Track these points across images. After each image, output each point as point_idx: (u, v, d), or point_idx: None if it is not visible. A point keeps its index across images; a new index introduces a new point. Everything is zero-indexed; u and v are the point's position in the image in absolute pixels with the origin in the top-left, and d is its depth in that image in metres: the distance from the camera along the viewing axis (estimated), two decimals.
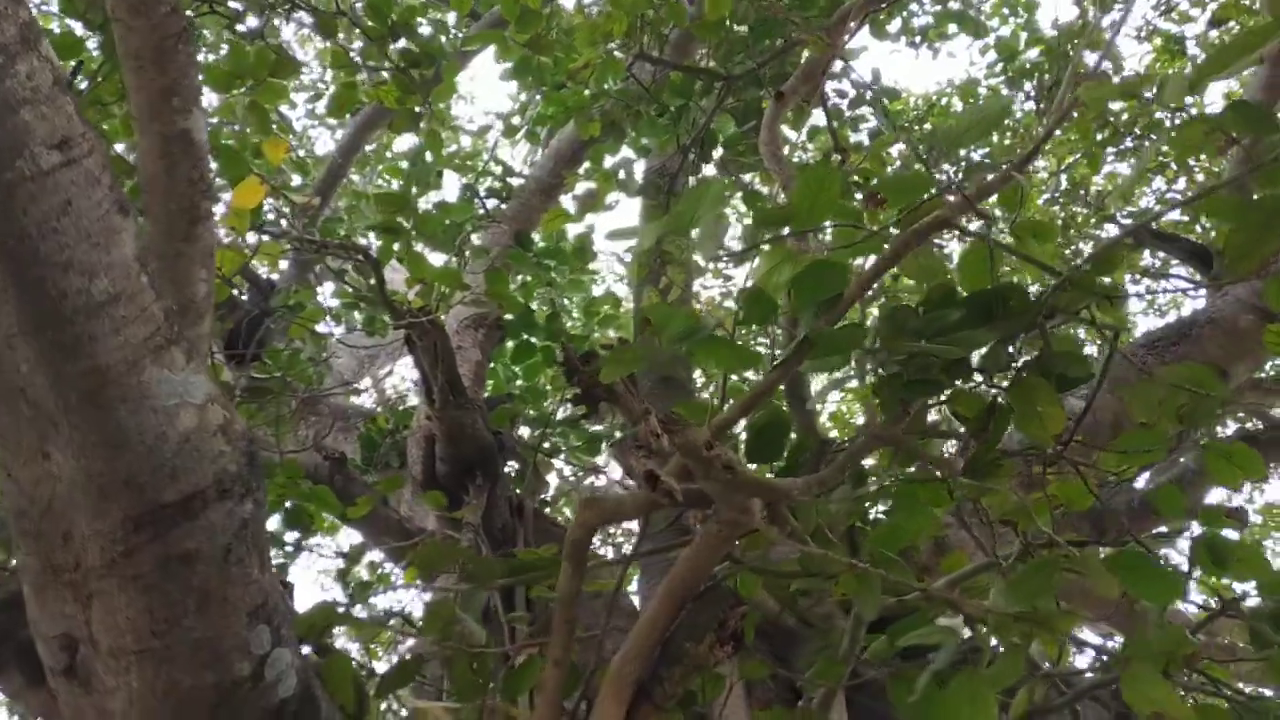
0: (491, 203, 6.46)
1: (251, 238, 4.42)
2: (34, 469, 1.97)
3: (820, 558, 1.92)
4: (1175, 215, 8.07)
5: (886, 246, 2.02)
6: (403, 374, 10.61)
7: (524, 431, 6.47)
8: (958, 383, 1.93)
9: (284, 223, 5.91)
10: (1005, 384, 2.03)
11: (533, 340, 6.22)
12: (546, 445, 6.11)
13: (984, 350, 2.03)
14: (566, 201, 6.66)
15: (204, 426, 2.05)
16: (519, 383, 7.03)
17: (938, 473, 1.97)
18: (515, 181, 6.87)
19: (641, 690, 2.05)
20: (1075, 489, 2.29)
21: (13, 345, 1.85)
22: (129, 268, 1.94)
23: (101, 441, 1.93)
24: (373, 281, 5.09)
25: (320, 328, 6.57)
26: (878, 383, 1.90)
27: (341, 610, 2.35)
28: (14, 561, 2.77)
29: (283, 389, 5.61)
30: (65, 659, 2.11)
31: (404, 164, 7.32)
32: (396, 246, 4.37)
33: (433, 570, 2.29)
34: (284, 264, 8.01)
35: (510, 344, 6.28)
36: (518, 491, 5.54)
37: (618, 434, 6.99)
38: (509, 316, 5.94)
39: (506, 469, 5.51)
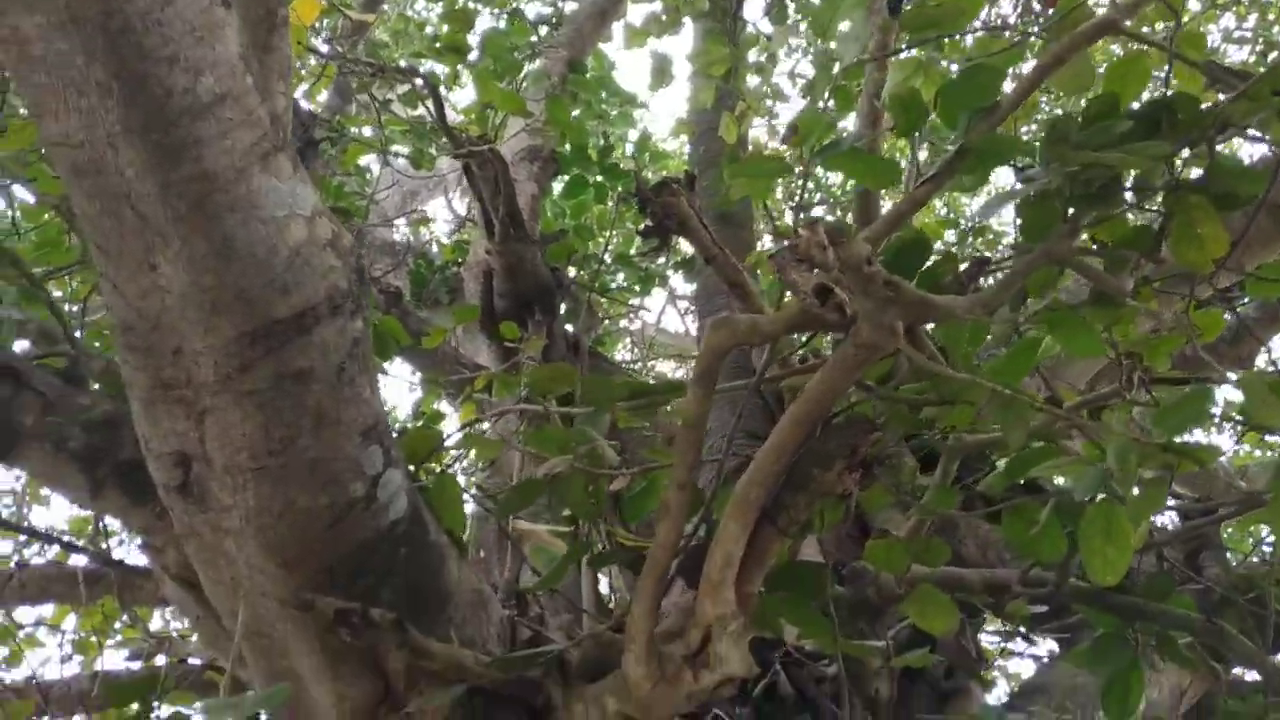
0: (543, 30, 6.18)
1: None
2: (141, 281, 1.89)
3: (962, 382, 1.84)
4: None
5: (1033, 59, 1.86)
6: (445, 211, 10.44)
7: (570, 271, 6.37)
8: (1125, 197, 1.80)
9: (328, 47, 5.68)
10: (1163, 203, 1.91)
11: (586, 175, 6.05)
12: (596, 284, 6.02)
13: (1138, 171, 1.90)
14: (620, 29, 6.35)
15: (313, 240, 1.96)
16: (567, 220, 6.89)
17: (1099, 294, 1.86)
18: (567, 7, 6.56)
19: (765, 515, 2.01)
20: (1214, 317, 2.19)
21: (115, 146, 1.74)
22: (234, 66, 1.81)
23: (211, 253, 1.84)
24: (426, 109, 4.91)
25: (364, 161, 6.41)
26: (1038, 198, 1.78)
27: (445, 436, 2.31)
28: (95, 387, 2.74)
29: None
30: (179, 476, 2.08)
31: None
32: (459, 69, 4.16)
33: (549, 393, 2.23)
34: (321, 95, 7.78)
35: (564, 179, 6.11)
36: (571, 329, 5.49)
37: (669, 273, 6.89)
38: (564, 149, 5.75)
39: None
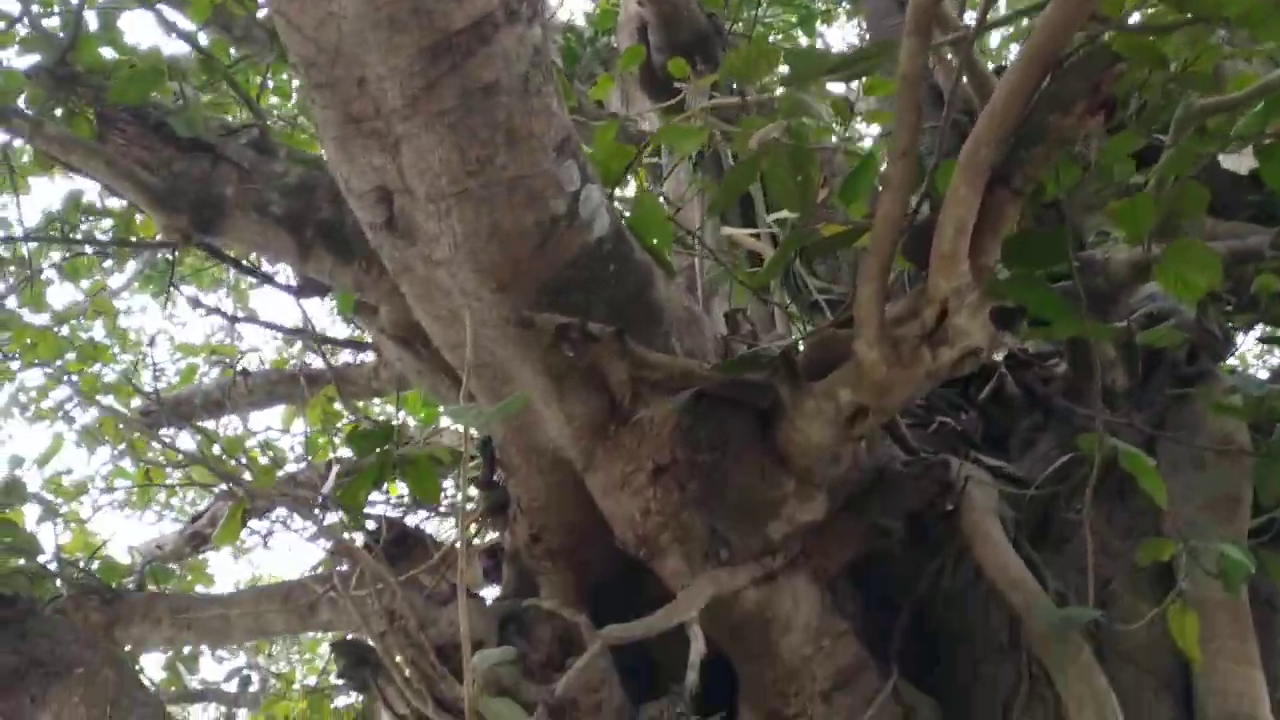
0: None
1: None
2: (314, 10, 1.82)
3: None
4: None
5: None
6: None
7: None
8: None
9: None
10: None
11: None
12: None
13: None
14: None
15: None
16: None
17: None
18: None
19: (997, 176, 1.84)
20: None
21: None
22: None
23: None
24: None
25: None
26: None
27: None
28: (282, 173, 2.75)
29: None
30: (383, 212, 2.07)
31: None
32: None
33: (748, 79, 2.08)
34: None
35: None
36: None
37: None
38: None
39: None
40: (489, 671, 2.11)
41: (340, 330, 6.21)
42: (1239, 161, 2.97)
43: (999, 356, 3.01)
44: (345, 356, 5.94)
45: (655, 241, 2.26)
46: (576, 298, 2.12)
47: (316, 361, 5.84)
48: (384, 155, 1.98)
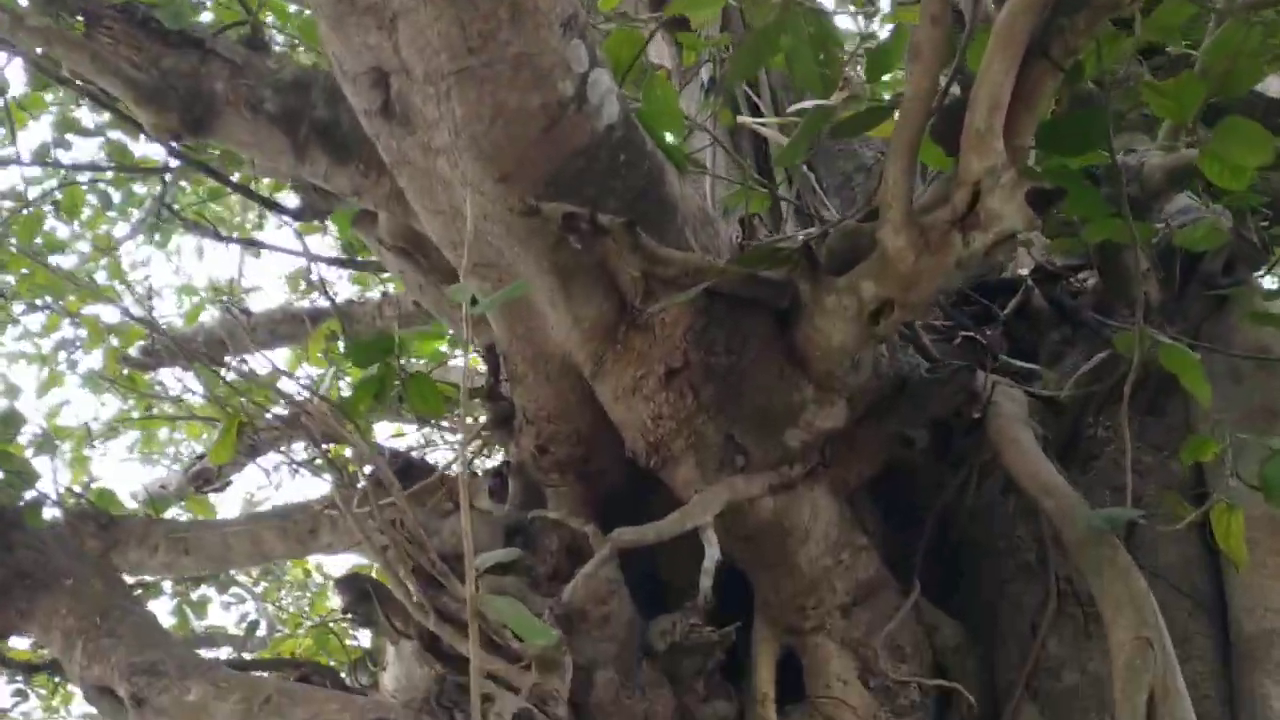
0: None
1: None
2: None
3: None
4: None
5: None
6: None
7: None
8: None
9: None
10: None
11: None
12: None
13: None
14: None
15: None
16: None
17: None
18: None
19: (1034, 47, 1.72)
20: None
21: None
22: None
23: None
24: None
25: None
26: None
27: None
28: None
29: None
30: (379, 96, 1.95)
31: None
32: None
33: None
34: None
35: None
36: None
37: None
38: None
39: None
40: (494, 580, 2.02)
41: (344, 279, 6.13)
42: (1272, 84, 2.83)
43: (1024, 270, 2.89)
44: (349, 293, 5.86)
45: (668, 135, 2.13)
46: (586, 191, 1.99)
47: (321, 302, 5.75)
48: (380, 33, 1.86)
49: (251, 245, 4.69)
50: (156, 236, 7.18)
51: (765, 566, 2.26)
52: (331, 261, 4.12)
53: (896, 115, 1.82)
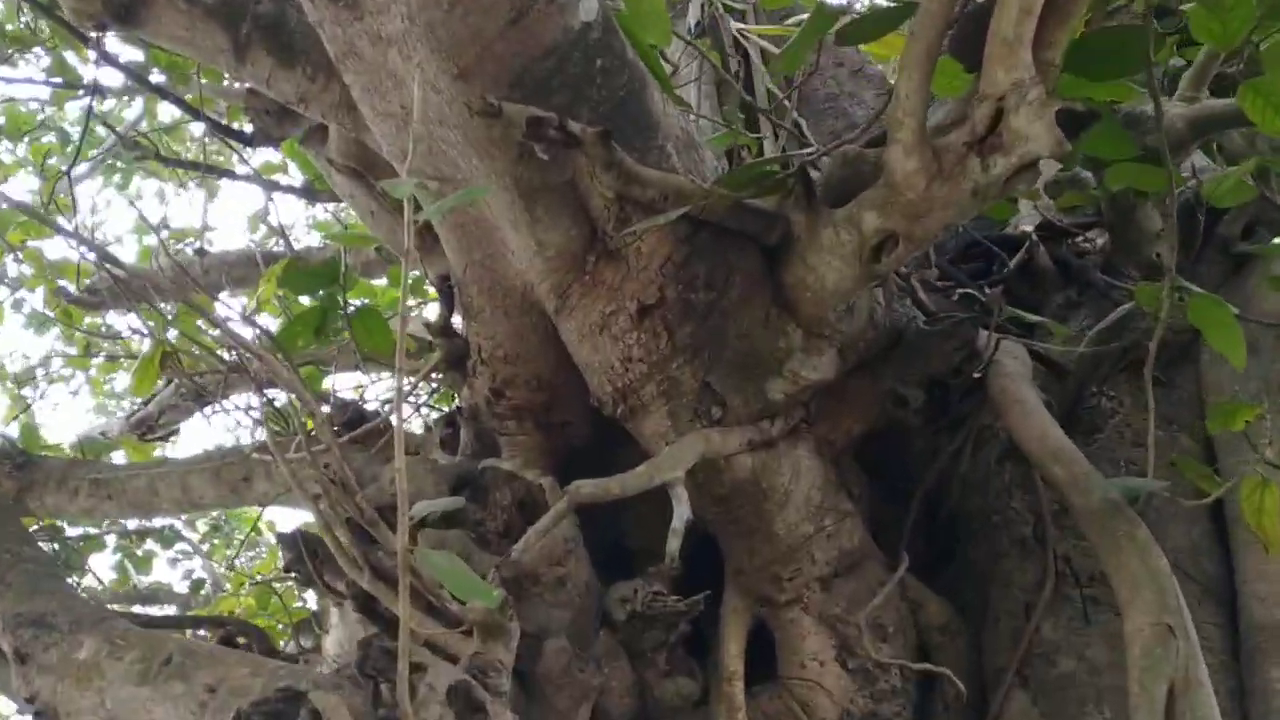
0: None
1: None
2: None
3: None
4: None
5: None
6: None
7: None
8: None
9: None
10: None
11: None
12: None
13: None
14: None
15: None
16: None
17: None
18: None
19: None
20: None
21: None
22: None
23: None
24: None
25: None
26: None
27: None
28: None
29: None
30: None
31: None
32: None
33: None
34: None
35: None
36: None
37: None
38: None
39: None
40: (435, 534, 1.80)
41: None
42: None
43: (1029, 226, 2.69)
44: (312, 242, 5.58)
45: (652, 43, 1.90)
46: (556, 97, 1.75)
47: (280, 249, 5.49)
48: None
49: (210, 172, 4.39)
50: (117, 178, 6.89)
51: (739, 531, 2.04)
52: (288, 190, 3.85)
53: (911, 22, 1.59)
